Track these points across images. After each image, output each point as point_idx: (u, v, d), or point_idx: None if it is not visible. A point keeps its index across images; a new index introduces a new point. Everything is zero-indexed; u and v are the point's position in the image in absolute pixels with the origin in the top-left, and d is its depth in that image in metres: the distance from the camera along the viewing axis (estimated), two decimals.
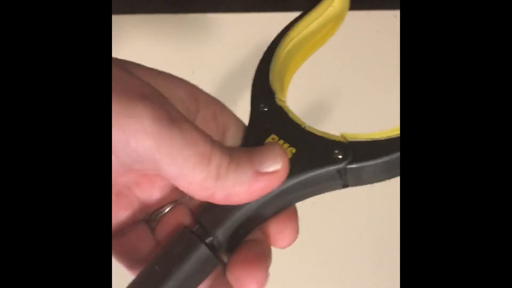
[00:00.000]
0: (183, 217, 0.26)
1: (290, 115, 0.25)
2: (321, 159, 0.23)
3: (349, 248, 0.46)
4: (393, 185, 0.47)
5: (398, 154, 0.24)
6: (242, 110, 0.41)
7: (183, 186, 0.23)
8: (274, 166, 0.23)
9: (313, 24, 0.28)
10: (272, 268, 0.45)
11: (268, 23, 0.43)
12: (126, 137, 0.23)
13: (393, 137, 0.24)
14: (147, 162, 0.23)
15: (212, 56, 0.42)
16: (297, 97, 0.43)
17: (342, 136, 0.24)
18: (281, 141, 0.23)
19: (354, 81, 0.45)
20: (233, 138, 0.28)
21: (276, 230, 0.27)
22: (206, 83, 0.43)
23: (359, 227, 0.46)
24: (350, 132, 0.25)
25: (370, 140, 0.24)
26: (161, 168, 0.23)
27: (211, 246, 0.23)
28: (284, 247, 0.27)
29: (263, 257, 0.26)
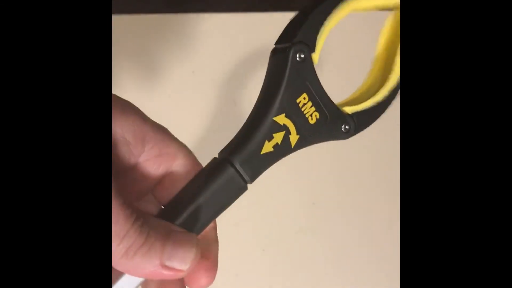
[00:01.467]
0: None
1: (315, 72, 0.26)
2: (333, 131, 0.26)
3: (349, 248, 0.46)
4: (393, 185, 0.47)
5: (386, 108, 0.27)
6: (242, 110, 0.41)
7: None
8: (181, 265, 0.23)
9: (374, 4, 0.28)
10: (272, 268, 0.45)
11: (268, 23, 0.43)
12: None
13: (387, 94, 0.28)
14: None
15: (212, 56, 0.42)
16: None
17: (346, 107, 0.27)
18: (309, 103, 0.25)
19: (354, 81, 0.45)
20: (182, 165, 0.28)
21: (194, 275, 0.27)
22: (206, 83, 0.43)
23: (359, 227, 0.46)
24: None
25: (367, 108, 0.27)
26: None
27: (236, 170, 0.25)
28: None
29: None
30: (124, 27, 0.40)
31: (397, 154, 0.47)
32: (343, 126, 0.27)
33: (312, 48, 0.25)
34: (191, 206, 0.24)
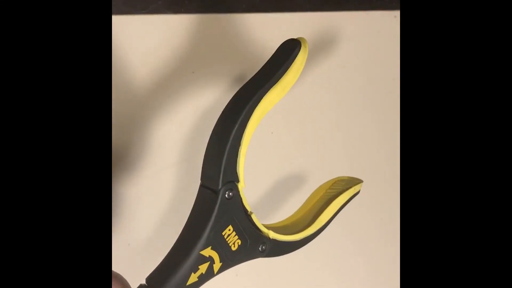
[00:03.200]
0: None
1: (244, 202, 0.28)
2: (252, 252, 0.28)
3: (349, 248, 0.46)
4: (393, 185, 0.47)
5: (296, 249, 0.31)
6: None
7: None
8: None
9: (278, 97, 0.28)
10: (272, 268, 0.45)
11: (269, 24, 0.43)
12: None
13: (303, 238, 0.31)
14: None
15: (212, 56, 0.42)
16: (297, 97, 0.43)
17: (268, 231, 0.29)
18: (233, 233, 0.27)
19: (354, 81, 0.45)
20: None
21: None
22: (206, 83, 0.43)
23: (359, 227, 0.46)
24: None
25: (287, 241, 0.30)
26: None
27: None
28: None
29: None
30: (124, 27, 0.40)
31: (397, 154, 0.47)
32: (260, 247, 0.29)
33: (237, 180, 0.27)
34: None
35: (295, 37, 0.29)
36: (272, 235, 0.30)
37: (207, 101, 0.42)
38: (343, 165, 0.45)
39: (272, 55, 0.29)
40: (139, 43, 0.40)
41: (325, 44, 0.44)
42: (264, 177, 0.40)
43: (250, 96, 0.27)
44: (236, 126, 0.27)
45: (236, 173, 0.27)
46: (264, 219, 0.31)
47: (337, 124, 0.45)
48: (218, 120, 0.29)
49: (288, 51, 0.28)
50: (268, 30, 0.43)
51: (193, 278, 0.27)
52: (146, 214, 0.41)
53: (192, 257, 0.26)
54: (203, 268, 0.27)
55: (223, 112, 0.29)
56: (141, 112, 0.40)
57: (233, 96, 0.29)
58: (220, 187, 0.27)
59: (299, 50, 0.28)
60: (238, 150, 0.27)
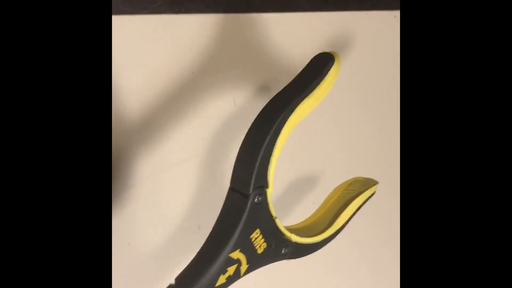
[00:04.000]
0: None
1: (270, 207, 0.29)
2: (276, 255, 0.29)
3: (349, 248, 0.46)
4: (393, 185, 0.47)
5: (318, 250, 0.32)
6: (242, 110, 0.41)
7: None
8: None
9: (310, 108, 0.29)
10: (272, 268, 0.45)
11: (269, 24, 0.43)
12: None
13: (323, 239, 0.32)
14: None
15: (212, 56, 0.42)
16: None
17: (290, 235, 0.30)
18: (260, 236, 0.28)
19: (354, 81, 0.45)
20: None
21: None
22: (206, 83, 0.43)
23: (359, 227, 0.46)
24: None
25: (307, 243, 0.31)
26: None
27: None
28: None
29: None
30: (124, 27, 0.40)
31: (397, 154, 0.47)
32: (283, 250, 0.30)
33: (266, 185, 0.28)
34: None
35: (327, 50, 0.30)
36: (294, 238, 0.30)
37: (207, 101, 0.42)
38: (343, 165, 0.45)
39: (306, 66, 0.30)
40: (139, 43, 0.40)
41: (325, 44, 0.44)
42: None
43: (284, 106, 0.28)
44: (270, 134, 0.28)
45: (266, 179, 0.28)
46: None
47: (337, 124, 0.45)
48: (252, 126, 0.29)
49: (322, 63, 0.29)
50: (268, 30, 0.43)
51: (222, 279, 0.27)
52: (146, 214, 0.41)
53: (221, 259, 0.27)
54: (231, 270, 0.28)
55: (257, 118, 0.29)
56: (141, 112, 0.40)
57: (267, 104, 0.29)
58: (251, 191, 0.27)
59: (333, 64, 0.29)
60: (270, 157, 0.28)
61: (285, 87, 0.30)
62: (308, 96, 0.28)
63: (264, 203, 0.28)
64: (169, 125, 0.41)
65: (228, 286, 0.28)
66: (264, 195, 0.28)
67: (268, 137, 0.28)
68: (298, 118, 0.29)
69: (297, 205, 0.45)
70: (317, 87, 0.28)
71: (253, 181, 0.27)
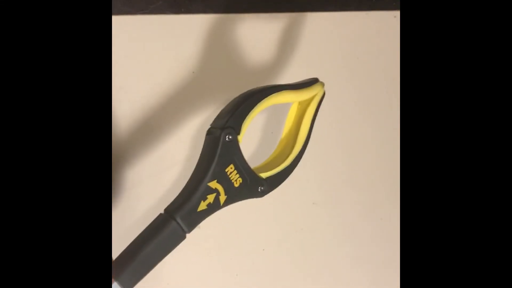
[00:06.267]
0: None
1: (240, 149, 0.33)
2: (252, 191, 0.34)
3: (349, 248, 0.46)
4: (393, 186, 0.47)
5: (290, 173, 0.36)
6: None
7: None
8: None
9: (290, 98, 0.35)
10: (272, 268, 0.45)
11: (268, 24, 0.43)
12: None
13: (293, 160, 0.36)
14: None
15: (212, 56, 0.42)
16: None
17: (261, 173, 0.35)
18: (235, 171, 0.33)
19: (354, 81, 0.45)
20: None
21: None
22: (206, 83, 0.43)
23: (359, 227, 0.46)
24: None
25: (279, 171, 0.36)
26: None
27: (178, 223, 0.31)
28: None
29: None
30: (124, 27, 0.40)
31: (397, 154, 0.47)
32: (259, 188, 0.34)
33: (238, 131, 0.33)
34: (142, 253, 0.30)
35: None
36: (265, 174, 0.35)
37: (206, 101, 0.42)
38: (343, 165, 0.45)
39: (303, 80, 0.37)
40: (139, 43, 0.40)
41: (325, 44, 0.44)
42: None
43: (277, 86, 0.35)
44: (258, 94, 0.34)
45: (240, 127, 0.33)
46: None
47: (337, 124, 0.45)
48: (244, 93, 0.35)
49: (314, 80, 0.37)
50: (268, 30, 0.43)
51: (203, 205, 0.32)
52: (146, 214, 0.41)
53: (201, 187, 0.32)
54: (210, 198, 0.32)
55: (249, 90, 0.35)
56: (141, 112, 0.40)
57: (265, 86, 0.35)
58: (224, 126, 0.32)
59: (321, 84, 0.37)
60: (248, 113, 0.33)
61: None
62: (295, 90, 0.35)
63: (235, 142, 0.33)
64: (169, 125, 0.41)
65: (210, 213, 0.32)
66: (235, 137, 0.33)
67: (255, 96, 0.33)
68: (280, 99, 0.35)
69: (297, 205, 0.45)
70: (304, 88, 0.36)
71: (228, 120, 0.33)
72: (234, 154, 0.33)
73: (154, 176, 0.41)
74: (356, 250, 0.47)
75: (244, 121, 0.33)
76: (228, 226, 0.43)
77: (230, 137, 0.32)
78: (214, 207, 0.33)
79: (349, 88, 0.45)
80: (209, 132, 0.34)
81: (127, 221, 0.41)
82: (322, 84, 0.37)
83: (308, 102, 0.37)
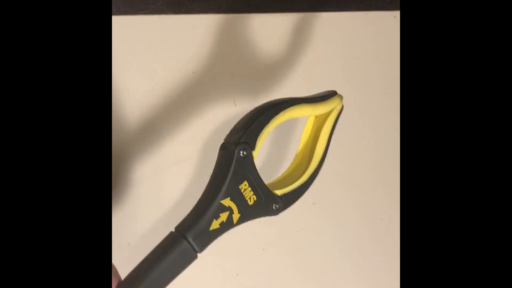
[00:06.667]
0: None
1: (255, 165, 0.32)
2: (267, 209, 0.33)
3: (349, 248, 0.46)
4: (394, 185, 0.47)
5: (306, 190, 0.34)
6: (242, 110, 0.41)
7: None
8: None
9: (307, 112, 0.34)
10: (272, 268, 0.45)
11: (269, 24, 0.43)
12: None
13: (309, 177, 0.34)
14: None
15: (212, 56, 0.42)
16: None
17: (276, 190, 0.33)
18: (249, 188, 0.32)
19: (354, 81, 0.45)
20: None
21: None
22: (206, 83, 0.43)
23: (359, 227, 0.46)
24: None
25: (295, 188, 0.34)
26: None
27: (189, 242, 0.30)
28: None
29: None
30: (124, 27, 0.40)
31: (397, 154, 0.47)
32: (273, 205, 0.33)
33: (252, 147, 0.31)
34: (152, 273, 0.29)
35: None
36: (279, 192, 0.33)
37: (207, 101, 0.42)
38: (343, 165, 0.45)
39: (320, 92, 0.36)
40: (139, 43, 0.40)
41: (325, 44, 0.44)
42: (265, 175, 0.40)
43: (293, 99, 0.33)
44: (273, 108, 0.32)
45: (255, 142, 0.32)
46: None
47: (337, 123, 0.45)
48: (258, 106, 0.34)
49: (332, 93, 0.35)
50: (268, 30, 0.43)
51: (215, 224, 0.31)
52: (146, 214, 0.41)
53: (214, 205, 0.31)
54: (223, 216, 0.31)
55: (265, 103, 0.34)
56: (141, 112, 0.40)
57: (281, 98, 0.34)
58: (238, 141, 0.31)
59: (339, 96, 0.35)
60: (263, 127, 0.32)
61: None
62: (313, 103, 0.33)
63: (249, 159, 0.31)
64: (169, 125, 0.41)
65: (222, 232, 0.31)
66: (249, 152, 0.31)
67: (270, 110, 0.32)
68: (297, 113, 0.33)
69: (297, 205, 0.45)
70: (322, 102, 0.34)
71: (243, 135, 0.31)
72: (248, 170, 0.32)
73: (154, 176, 0.41)
74: (356, 250, 0.47)
75: (259, 136, 0.32)
76: None
77: (244, 152, 0.31)
78: (227, 226, 0.31)
79: (349, 88, 0.45)
80: (223, 147, 0.33)
81: (127, 221, 0.41)
82: (341, 97, 0.35)
83: (325, 116, 0.35)
